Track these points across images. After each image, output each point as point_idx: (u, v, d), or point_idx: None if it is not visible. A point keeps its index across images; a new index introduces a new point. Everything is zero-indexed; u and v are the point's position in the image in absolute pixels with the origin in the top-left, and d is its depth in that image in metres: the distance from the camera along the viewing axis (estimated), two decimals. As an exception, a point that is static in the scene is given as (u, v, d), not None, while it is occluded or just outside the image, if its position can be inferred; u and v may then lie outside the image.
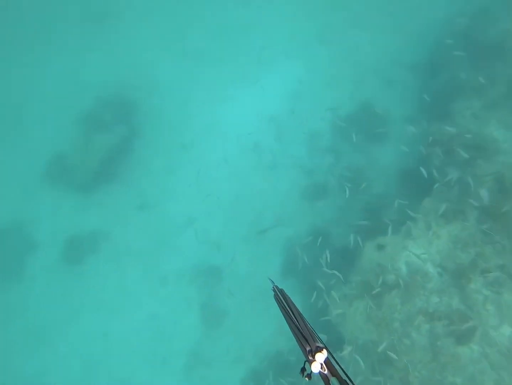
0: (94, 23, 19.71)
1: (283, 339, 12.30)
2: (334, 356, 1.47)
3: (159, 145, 16.90)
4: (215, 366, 12.86)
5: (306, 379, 1.44)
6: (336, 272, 10.28)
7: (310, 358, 1.43)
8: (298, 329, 1.59)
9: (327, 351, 1.47)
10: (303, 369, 1.50)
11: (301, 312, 1.72)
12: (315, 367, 1.39)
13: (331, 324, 10.38)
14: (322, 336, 9.76)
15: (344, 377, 1.35)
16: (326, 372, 1.38)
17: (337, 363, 1.44)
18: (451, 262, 8.67)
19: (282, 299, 1.91)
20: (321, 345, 1.52)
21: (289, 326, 1.66)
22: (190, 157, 16.51)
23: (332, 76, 16.58)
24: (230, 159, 15.99)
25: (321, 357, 1.42)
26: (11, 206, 16.67)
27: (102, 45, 19.22)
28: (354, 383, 1.31)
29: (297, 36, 17.93)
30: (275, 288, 2.07)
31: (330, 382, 1.33)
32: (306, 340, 1.53)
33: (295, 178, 15.05)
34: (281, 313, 1.77)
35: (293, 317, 1.68)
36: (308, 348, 1.49)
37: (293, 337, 1.63)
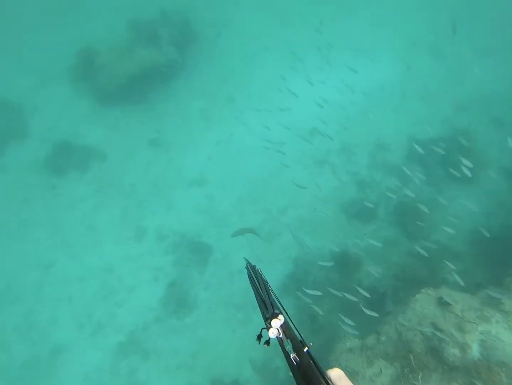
0: None
1: (244, 374, 9.13)
2: (291, 320, 1.40)
3: (203, 87, 14.22)
4: (151, 364, 9.76)
5: (265, 345, 1.40)
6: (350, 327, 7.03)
7: (268, 325, 1.39)
8: (262, 299, 1.56)
9: (284, 316, 1.43)
10: (259, 336, 1.48)
11: (271, 285, 1.69)
12: (272, 333, 1.36)
13: None
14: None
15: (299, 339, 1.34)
16: (281, 336, 1.35)
17: (294, 327, 1.41)
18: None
19: (252, 273, 1.86)
20: (277, 311, 1.46)
21: (255, 297, 1.65)
22: (229, 114, 13.73)
23: (430, 92, 13.42)
24: (274, 134, 13.06)
25: (277, 322, 1.37)
26: (23, 84, 14.41)
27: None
28: (307, 344, 1.32)
29: (407, 38, 14.94)
30: (248, 265, 1.99)
31: (284, 344, 1.31)
32: (267, 308, 1.49)
33: (342, 185, 11.91)
34: (252, 290, 1.71)
35: (259, 288, 1.67)
36: (267, 315, 1.45)
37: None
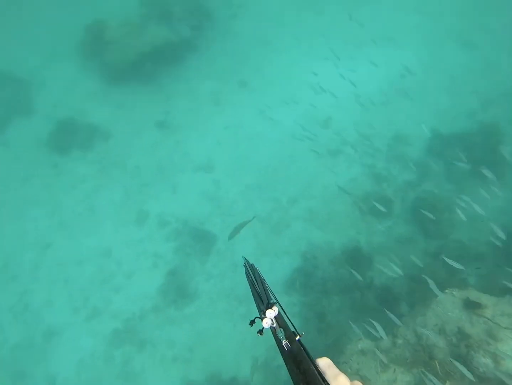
0: None
1: (243, 370, 8.58)
2: (285, 310, 1.47)
3: (215, 70, 13.59)
4: (146, 355, 9.24)
5: (258, 334, 1.45)
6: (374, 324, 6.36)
7: (262, 315, 1.45)
8: (257, 293, 1.62)
9: (277, 307, 1.48)
10: (252, 322, 1.55)
11: (267, 281, 1.73)
12: (266, 323, 1.42)
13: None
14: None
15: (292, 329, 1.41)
16: (274, 325, 1.41)
17: (287, 317, 1.46)
18: None
19: (249, 270, 1.89)
20: (272, 301, 1.53)
21: (251, 292, 1.69)
22: (242, 98, 13.09)
23: (456, 83, 12.62)
24: (287, 121, 12.42)
25: (271, 313, 1.44)
26: (31, 58, 13.94)
27: None
28: (299, 333, 1.37)
29: (433, 25, 14.11)
30: (246, 263, 1.99)
31: (276, 332, 1.38)
32: (262, 301, 1.55)
33: (357, 177, 11.23)
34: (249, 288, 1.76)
35: (255, 283, 1.72)
36: (262, 307, 1.52)
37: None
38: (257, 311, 1.52)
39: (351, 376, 6.34)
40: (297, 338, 1.36)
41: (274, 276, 9.89)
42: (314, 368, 1.24)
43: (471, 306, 5.74)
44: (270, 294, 1.62)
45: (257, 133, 12.29)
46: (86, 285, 10.43)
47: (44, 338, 9.82)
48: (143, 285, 10.27)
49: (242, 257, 2.20)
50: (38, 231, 11.34)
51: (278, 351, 1.34)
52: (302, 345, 1.34)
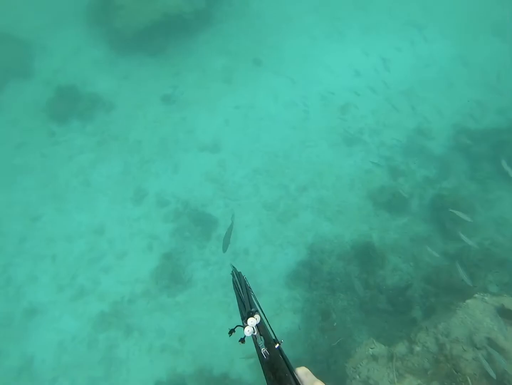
0: None
1: (236, 367, 7.84)
2: (266, 318, 1.51)
3: (228, 46, 12.78)
4: (132, 342, 8.52)
5: (240, 342, 1.47)
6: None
7: (245, 323, 1.46)
8: (242, 300, 1.64)
9: (259, 315, 1.49)
10: (231, 331, 1.54)
11: (253, 290, 1.74)
12: (247, 331, 1.42)
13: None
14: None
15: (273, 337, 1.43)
16: (255, 333, 1.42)
17: (268, 325, 1.50)
18: None
19: (236, 278, 1.91)
20: (253, 309, 1.52)
21: (236, 300, 1.71)
22: (255, 78, 12.28)
23: (487, 76, 11.72)
24: (301, 105, 11.60)
25: (253, 321, 1.44)
26: (34, 20, 13.19)
27: None
28: (279, 341, 1.40)
29: (465, 12, 13.18)
30: (233, 272, 2.02)
31: (257, 340, 1.39)
32: (245, 308, 1.56)
33: (372, 169, 10.41)
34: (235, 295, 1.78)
35: (241, 291, 1.73)
36: (244, 314, 1.52)
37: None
38: (240, 319, 1.51)
39: (359, 383, 5.39)
40: (277, 346, 1.37)
41: (276, 268, 9.14)
42: (290, 376, 1.26)
43: (506, 314, 4.95)
44: (254, 302, 1.62)
45: (269, 115, 11.49)
46: (75, 262, 9.73)
47: (25, 315, 9.14)
48: (135, 267, 9.55)
49: (230, 264, 2.17)
50: (28, 202, 10.63)
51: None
52: (281, 352, 1.35)
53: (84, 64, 12.43)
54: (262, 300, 7.97)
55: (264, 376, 1.29)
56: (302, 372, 1.31)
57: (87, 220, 10.27)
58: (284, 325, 8.24)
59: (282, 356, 1.33)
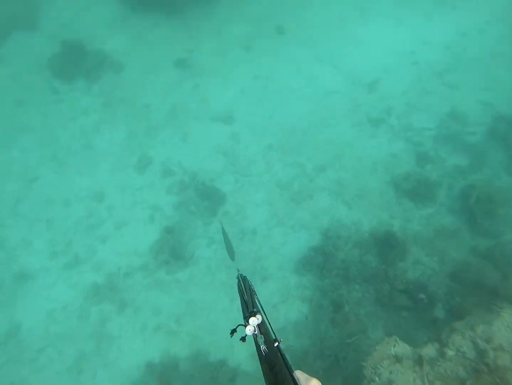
0: None
1: (235, 354, 7.18)
2: (268, 319, 1.55)
3: (250, 11, 11.83)
4: (125, 318, 7.90)
5: (241, 341, 1.49)
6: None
7: (246, 322, 1.50)
8: (245, 302, 1.69)
9: (261, 314, 1.54)
10: (233, 331, 1.59)
11: (257, 293, 1.78)
12: (248, 330, 1.47)
13: None
14: None
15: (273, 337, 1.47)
16: (256, 332, 1.47)
17: (269, 325, 1.54)
18: None
19: (241, 282, 1.95)
20: (255, 309, 1.58)
21: (240, 302, 1.76)
22: (277, 47, 11.33)
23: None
24: (325, 80, 10.67)
25: (254, 321, 1.48)
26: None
27: None
28: (278, 340, 1.45)
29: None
30: (239, 276, 2.05)
31: (257, 338, 1.44)
32: (248, 309, 1.61)
33: (398, 154, 9.54)
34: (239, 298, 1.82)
35: (244, 293, 1.77)
36: (246, 314, 1.57)
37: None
38: (243, 319, 1.54)
39: (378, 387, 4.48)
40: (276, 344, 1.42)
41: (286, 251, 8.40)
42: (286, 372, 1.29)
43: None
44: (256, 303, 1.66)
45: (289, 88, 10.59)
46: (71, 228, 9.10)
47: (15, 280, 8.57)
48: (134, 238, 8.89)
49: (236, 269, 2.19)
50: (26, 162, 9.99)
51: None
52: (280, 350, 1.40)
53: (94, 19, 11.59)
54: (269, 285, 7.24)
55: (261, 371, 1.32)
56: (297, 372, 1.35)
57: (87, 184, 9.60)
58: (291, 314, 7.56)
59: (280, 353, 1.37)
